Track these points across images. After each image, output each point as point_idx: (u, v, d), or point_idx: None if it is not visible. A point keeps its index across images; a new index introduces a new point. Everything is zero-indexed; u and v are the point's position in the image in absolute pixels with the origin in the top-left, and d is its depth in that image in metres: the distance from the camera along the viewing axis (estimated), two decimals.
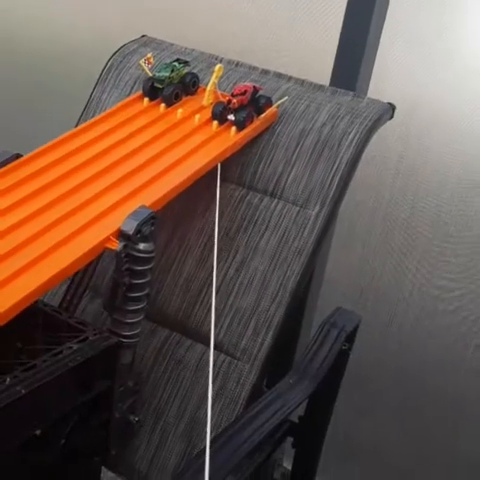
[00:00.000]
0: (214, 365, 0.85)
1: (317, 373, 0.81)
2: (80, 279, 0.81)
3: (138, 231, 0.71)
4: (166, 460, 0.83)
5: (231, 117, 0.89)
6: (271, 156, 0.91)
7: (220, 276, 0.88)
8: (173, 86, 0.93)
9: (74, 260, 0.68)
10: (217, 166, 0.86)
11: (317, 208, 0.88)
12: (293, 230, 0.87)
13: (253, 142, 0.92)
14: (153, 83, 0.93)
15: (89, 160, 0.82)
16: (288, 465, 1.13)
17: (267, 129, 0.92)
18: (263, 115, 0.91)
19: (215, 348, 0.86)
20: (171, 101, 0.93)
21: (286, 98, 0.93)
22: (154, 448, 0.84)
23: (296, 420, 0.90)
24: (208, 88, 0.93)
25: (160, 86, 0.93)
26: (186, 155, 0.85)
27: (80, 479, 0.73)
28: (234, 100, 0.89)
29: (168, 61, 0.96)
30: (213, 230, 0.85)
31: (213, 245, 0.84)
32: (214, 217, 0.85)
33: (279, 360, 0.88)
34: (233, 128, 0.89)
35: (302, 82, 0.97)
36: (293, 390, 0.79)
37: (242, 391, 0.83)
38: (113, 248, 0.70)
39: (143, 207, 0.73)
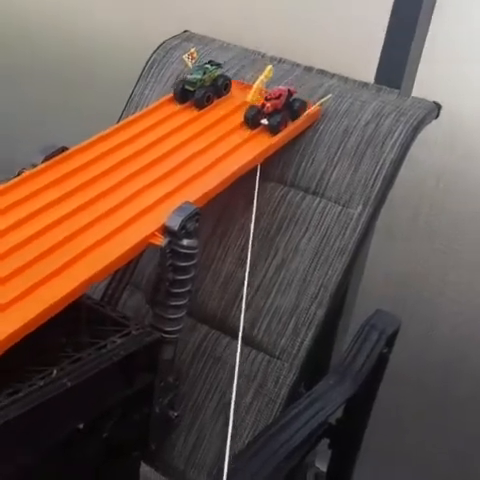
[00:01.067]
0: (253, 363, 0.84)
1: (357, 376, 0.80)
2: (122, 274, 0.81)
3: (183, 227, 0.71)
4: (203, 458, 0.83)
5: (264, 121, 0.87)
6: (314, 154, 0.90)
7: (259, 275, 0.87)
8: (204, 89, 0.90)
9: (119, 255, 0.68)
10: (257, 165, 0.85)
11: (360, 208, 0.86)
12: (335, 229, 0.86)
13: (295, 140, 0.91)
14: (184, 86, 0.91)
15: (132, 155, 0.82)
16: (321, 465, 1.12)
17: (310, 127, 0.91)
18: (298, 119, 0.89)
19: (254, 347, 0.85)
20: (203, 104, 0.91)
21: (330, 96, 0.91)
22: (191, 445, 0.84)
23: (333, 422, 0.89)
24: (255, 86, 0.90)
25: (191, 89, 0.90)
26: (227, 153, 0.84)
27: (119, 473, 0.73)
28: (268, 104, 0.86)
29: (202, 63, 0.94)
30: (253, 229, 0.85)
31: (252, 244, 0.83)
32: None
33: (316, 362, 0.87)
34: (267, 132, 0.87)
35: (346, 79, 0.96)
36: (333, 392, 0.78)
37: (281, 391, 0.82)
38: (158, 244, 0.70)
39: (187, 203, 0.73)
